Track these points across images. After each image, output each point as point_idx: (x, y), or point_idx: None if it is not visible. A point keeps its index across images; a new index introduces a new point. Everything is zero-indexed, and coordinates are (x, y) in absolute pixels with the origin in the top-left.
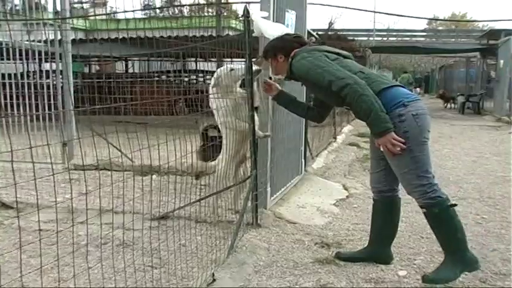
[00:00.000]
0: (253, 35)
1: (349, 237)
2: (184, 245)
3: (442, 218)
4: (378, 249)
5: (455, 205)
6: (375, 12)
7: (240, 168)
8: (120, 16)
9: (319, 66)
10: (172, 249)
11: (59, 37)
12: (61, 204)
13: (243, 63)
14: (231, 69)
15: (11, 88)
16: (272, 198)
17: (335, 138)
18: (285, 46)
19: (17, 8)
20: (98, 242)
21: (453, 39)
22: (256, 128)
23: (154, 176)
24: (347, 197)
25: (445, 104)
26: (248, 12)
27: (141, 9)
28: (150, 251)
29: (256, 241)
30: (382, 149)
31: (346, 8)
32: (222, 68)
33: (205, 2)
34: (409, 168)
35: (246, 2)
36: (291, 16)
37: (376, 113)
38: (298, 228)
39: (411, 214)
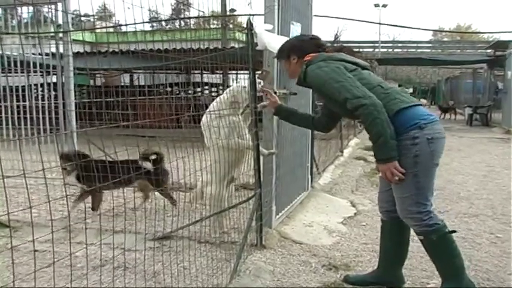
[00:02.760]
0: (257, 48)
1: (357, 258)
2: (186, 268)
3: (439, 245)
4: (389, 272)
5: (455, 231)
6: (380, 24)
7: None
8: (125, 29)
9: (336, 80)
10: (173, 272)
11: (60, 50)
12: (59, 223)
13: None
14: (244, 87)
15: (12, 101)
16: (277, 217)
17: (342, 152)
18: (299, 46)
19: (25, 21)
20: (96, 264)
21: (459, 51)
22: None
23: (157, 193)
24: (355, 214)
25: (442, 116)
26: (251, 25)
27: (147, 22)
28: (145, 276)
29: (261, 263)
30: (380, 175)
31: (351, 19)
32: (234, 86)
33: (210, 15)
34: (410, 194)
35: (251, 15)
36: (296, 29)
37: (384, 140)
38: (304, 248)
39: None
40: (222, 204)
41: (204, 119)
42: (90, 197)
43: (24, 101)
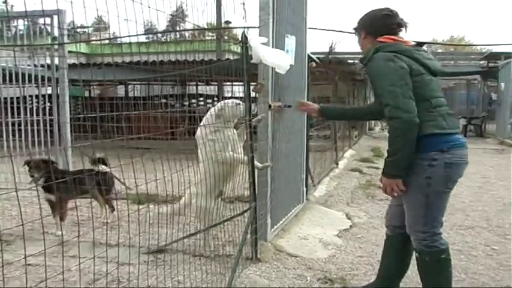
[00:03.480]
0: (252, 61)
1: (353, 271)
2: (181, 282)
3: (431, 267)
4: (386, 286)
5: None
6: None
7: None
8: (121, 40)
9: (391, 82)
10: (167, 286)
11: (55, 62)
12: (53, 237)
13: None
14: (237, 104)
15: (6, 114)
16: (272, 230)
17: (337, 163)
18: (369, 25)
19: (21, 33)
20: (89, 279)
21: (452, 62)
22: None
23: (151, 206)
24: (350, 226)
25: None
26: (246, 38)
27: (142, 34)
28: None
29: (256, 277)
30: (381, 185)
31: (346, 32)
32: (226, 102)
33: (205, 27)
34: (420, 214)
35: (245, 27)
36: (290, 41)
37: (400, 158)
38: (299, 262)
39: None
40: (211, 217)
41: (198, 132)
42: (83, 210)
43: (19, 112)
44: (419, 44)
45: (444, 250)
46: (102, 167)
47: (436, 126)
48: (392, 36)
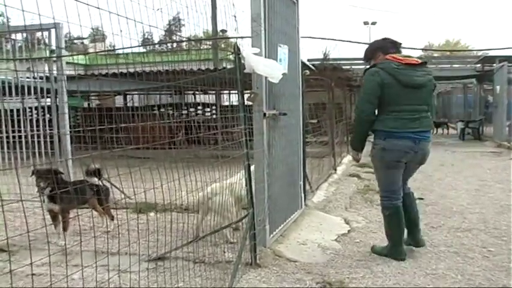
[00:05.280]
0: (245, 71)
1: (352, 275)
2: None
3: (386, 218)
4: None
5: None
6: (368, 44)
7: None
8: (119, 50)
9: (364, 90)
10: None
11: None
12: (55, 246)
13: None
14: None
15: (6, 126)
16: (271, 235)
17: (335, 169)
18: (369, 50)
19: (19, 45)
20: (92, 287)
21: (448, 65)
22: None
23: (152, 214)
24: (349, 231)
25: (435, 131)
26: (239, 49)
27: (139, 45)
28: None
29: (255, 282)
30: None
31: (340, 40)
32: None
33: (202, 36)
34: (377, 179)
35: (239, 37)
36: (283, 51)
37: (355, 138)
38: (298, 266)
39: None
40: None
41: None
42: (85, 220)
43: (19, 124)
44: (424, 63)
45: (390, 207)
46: (94, 179)
47: (383, 125)
48: (394, 55)
